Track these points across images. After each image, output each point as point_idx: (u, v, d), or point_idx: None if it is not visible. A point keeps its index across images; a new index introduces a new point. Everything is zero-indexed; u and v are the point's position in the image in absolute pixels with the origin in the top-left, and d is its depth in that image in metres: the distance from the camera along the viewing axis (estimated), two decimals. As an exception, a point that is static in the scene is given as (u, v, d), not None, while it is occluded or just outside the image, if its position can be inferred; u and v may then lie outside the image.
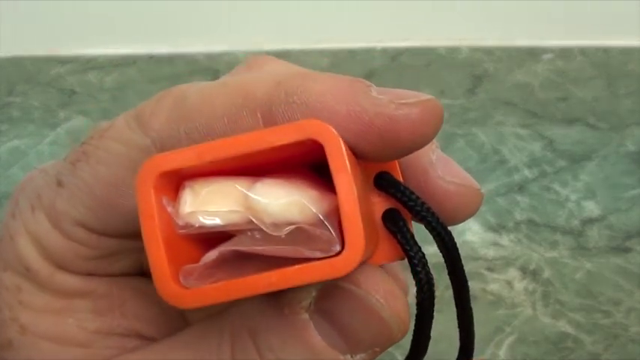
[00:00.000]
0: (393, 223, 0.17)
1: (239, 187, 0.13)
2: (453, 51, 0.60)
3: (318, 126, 0.13)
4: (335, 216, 0.14)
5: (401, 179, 0.18)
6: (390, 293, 0.16)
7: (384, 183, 0.17)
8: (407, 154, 0.17)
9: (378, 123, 0.15)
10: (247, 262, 0.13)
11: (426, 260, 0.17)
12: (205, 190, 0.13)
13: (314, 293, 0.16)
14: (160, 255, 0.13)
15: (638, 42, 0.59)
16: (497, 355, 0.37)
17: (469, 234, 0.44)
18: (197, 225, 0.13)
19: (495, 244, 0.43)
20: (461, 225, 0.44)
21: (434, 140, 0.18)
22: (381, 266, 0.17)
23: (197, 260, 0.14)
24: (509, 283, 0.41)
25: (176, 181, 0.14)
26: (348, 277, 0.15)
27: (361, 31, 0.61)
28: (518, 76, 0.57)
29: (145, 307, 0.18)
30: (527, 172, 0.49)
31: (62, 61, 0.61)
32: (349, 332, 0.16)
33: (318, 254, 0.13)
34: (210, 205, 0.13)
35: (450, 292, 0.19)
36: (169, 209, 0.13)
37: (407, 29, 0.61)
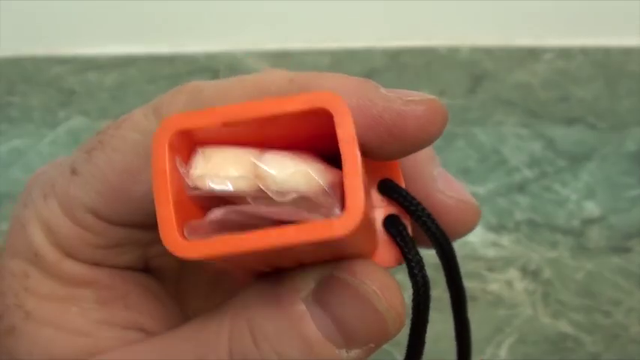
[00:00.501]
0: (394, 227, 0.18)
1: (249, 156, 0.14)
2: (453, 51, 0.60)
3: (330, 96, 0.14)
4: (338, 189, 0.14)
5: (404, 187, 0.18)
6: (386, 285, 0.16)
7: (387, 188, 0.18)
8: (411, 152, 0.17)
9: (386, 117, 0.16)
10: (251, 229, 0.14)
11: (424, 264, 0.17)
12: (216, 156, 0.14)
13: (312, 284, 0.16)
14: (168, 207, 0.13)
15: (638, 42, 0.59)
16: (497, 355, 0.37)
17: (469, 234, 0.44)
18: (206, 188, 0.14)
19: (495, 244, 0.43)
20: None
21: (435, 155, 0.19)
22: None
23: None
24: (509, 284, 0.41)
25: (191, 147, 0.14)
26: (345, 266, 0.15)
27: (361, 31, 0.61)
28: (518, 76, 0.57)
29: (148, 302, 0.18)
30: (527, 172, 0.49)
31: (62, 61, 0.61)
32: (345, 324, 0.16)
33: (319, 217, 0.14)
34: (221, 170, 0.14)
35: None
36: (181, 170, 0.14)
37: (407, 29, 0.61)
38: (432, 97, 0.17)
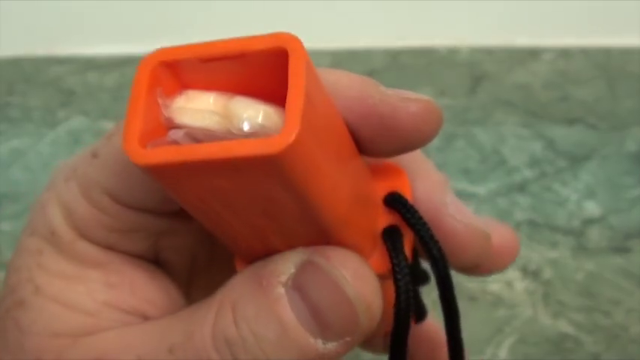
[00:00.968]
0: (390, 235, 0.18)
1: (223, 98, 0.15)
2: (453, 51, 0.60)
3: (288, 36, 0.14)
4: None
5: (411, 201, 0.19)
6: (358, 273, 0.16)
7: (392, 200, 0.18)
8: (405, 150, 0.18)
9: (381, 108, 0.17)
10: None
11: (410, 274, 0.17)
12: (197, 96, 0.15)
13: (292, 269, 0.16)
14: (136, 118, 0.14)
15: (638, 42, 0.59)
16: (497, 355, 0.37)
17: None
18: (178, 120, 0.15)
19: (495, 244, 0.43)
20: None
21: (449, 183, 0.20)
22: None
23: None
24: (509, 284, 0.41)
25: (178, 89, 0.15)
26: (322, 251, 0.16)
27: (361, 31, 0.61)
28: (518, 76, 0.57)
29: (153, 291, 0.19)
30: (527, 172, 0.49)
31: (62, 61, 0.61)
32: (319, 311, 0.16)
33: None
34: (196, 108, 0.15)
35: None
36: (160, 101, 0.15)
37: (407, 29, 0.61)
38: (428, 98, 0.18)
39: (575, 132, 0.52)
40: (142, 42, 0.61)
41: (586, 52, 0.59)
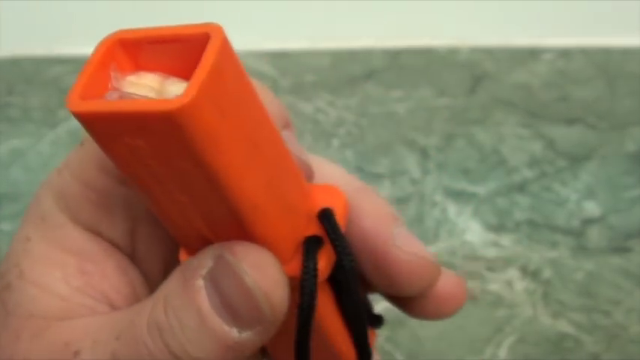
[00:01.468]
0: (309, 243, 0.19)
1: (161, 77, 0.17)
2: (453, 51, 0.60)
3: (215, 26, 0.16)
4: None
5: (345, 218, 0.20)
6: (257, 264, 0.17)
7: (322, 214, 0.19)
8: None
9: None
10: None
11: (314, 277, 0.19)
12: (145, 75, 0.17)
13: (211, 263, 0.18)
14: (84, 78, 0.16)
15: (638, 42, 0.59)
16: (497, 355, 0.37)
17: (469, 234, 0.44)
18: (123, 90, 0.17)
19: (495, 244, 0.43)
20: (461, 225, 0.44)
21: (398, 217, 0.21)
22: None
23: None
24: (509, 284, 0.41)
25: (131, 68, 0.17)
26: (230, 245, 0.18)
27: (361, 31, 0.61)
28: (518, 76, 0.58)
29: (121, 282, 0.20)
30: (527, 172, 0.49)
31: (62, 61, 0.61)
32: (229, 301, 0.17)
33: None
34: (139, 82, 0.17)
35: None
36: (112, 73, 0.17)
37: (407, 29, 0.61)
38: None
39: (575, 132, 0.52)
40: (142, 42, 0.61)
41: (586, 52, 0.59)
